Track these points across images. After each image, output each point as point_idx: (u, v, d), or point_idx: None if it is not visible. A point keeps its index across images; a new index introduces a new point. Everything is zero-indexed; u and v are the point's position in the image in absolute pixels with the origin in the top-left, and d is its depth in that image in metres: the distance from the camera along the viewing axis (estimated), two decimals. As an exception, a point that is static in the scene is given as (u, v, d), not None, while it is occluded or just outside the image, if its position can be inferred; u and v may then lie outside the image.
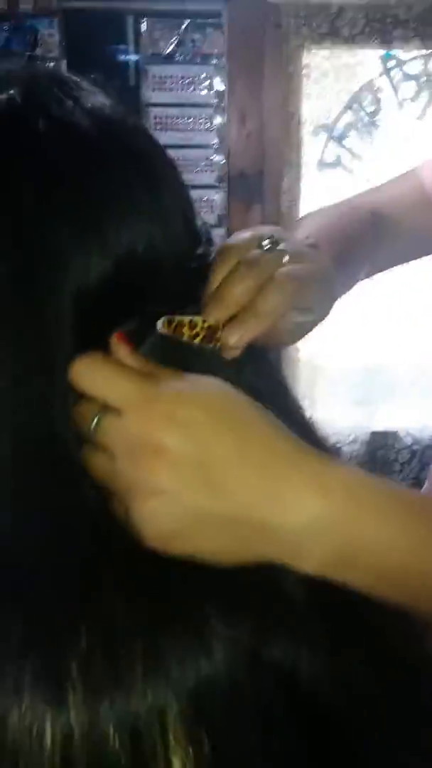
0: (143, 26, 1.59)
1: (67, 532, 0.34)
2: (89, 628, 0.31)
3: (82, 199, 0.35)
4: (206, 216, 1.65)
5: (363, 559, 0.35)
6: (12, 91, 0.36)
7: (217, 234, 1.68)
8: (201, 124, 1.62)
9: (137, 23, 1.59)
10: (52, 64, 1.61)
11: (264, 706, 0.34)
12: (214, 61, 1.60)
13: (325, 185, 1.67)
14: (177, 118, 1.62)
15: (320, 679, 0.35)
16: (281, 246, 0.41)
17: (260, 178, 1.64)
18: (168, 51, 1.59)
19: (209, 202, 1.65)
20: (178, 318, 0.36)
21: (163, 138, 1.62)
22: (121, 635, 0.32)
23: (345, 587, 0.36)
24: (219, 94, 1.62)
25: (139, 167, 0.37)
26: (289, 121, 1.60)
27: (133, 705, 0.31)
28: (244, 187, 1.65)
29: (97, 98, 0.38)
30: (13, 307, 0.34)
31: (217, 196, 1.65)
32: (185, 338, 0.36)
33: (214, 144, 1.63)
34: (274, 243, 0.41)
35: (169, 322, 0.36)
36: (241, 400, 0.35)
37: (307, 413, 0.44)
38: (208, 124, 1.62)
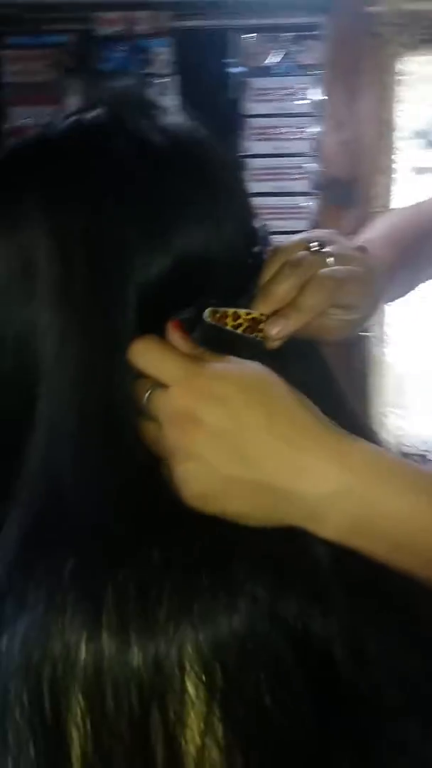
0: (246, 41, 1.67)
1: (119, 489, 0.38)
2: (127, 567, 0.36)
3: (148, 204, 0.40)
4: (299, 222, 1.70)
5: (379, 529, 0.38)
6: (99, 110, 0.42)
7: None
8: (297, 132, 1.68)
9: (240, 39, 1.67)
10: (163, 80, 1.74)
11: (275, 657, 0.36)
12: (313, 72, 1.64)
13: (419, 191, 1.66)
14: (275, 127, 1.68)
15: (332, 640, 0.38)
16: (328, 249, 0.46)
17: (354, 184, 1.67)
18: (268, 64, 1.66)
19: (303, 209, 1.70)
20: (222, 309, 0.40)
21: (262, 147, 1.69)
22: (153, 577, 0.36)
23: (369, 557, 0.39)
24: (316, 104, 1.66)
25: (201, 178, 0.42)
26: (385, 127, 1.61)
27: (157, 638, 0.35)
28: (338, 193, 1.68)
29: (170, 116, 0.44)
30: (84, 294, 0.39)
31: (311, 203, 1.70)
32: (229, 327, 0.40)
33: (309, 152, 1.68)
34: (321, 246, 0.46)
35: (214, 313, 0.39)
36: (274, 381, 0.39)
37: (386, 419, 0.50)
38: (305, 133, 1.67)
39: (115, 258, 0.39)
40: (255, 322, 0.40)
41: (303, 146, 1.67)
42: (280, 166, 1.69)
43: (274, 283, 0.43)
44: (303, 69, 1.64)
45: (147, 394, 0.39)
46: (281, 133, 1.68)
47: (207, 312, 0.39)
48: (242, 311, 0.40)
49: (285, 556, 0.39)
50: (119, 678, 0.34)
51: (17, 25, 1.81)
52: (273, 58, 1.65)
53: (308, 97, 1.65)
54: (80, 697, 0.34)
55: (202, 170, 0.42)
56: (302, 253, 0.45)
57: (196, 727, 0.35)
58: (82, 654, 0.34)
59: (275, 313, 0.42)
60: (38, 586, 0.36)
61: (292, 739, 0.37)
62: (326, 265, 0.45)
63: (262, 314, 0.41)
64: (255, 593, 0.36)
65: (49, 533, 0.38)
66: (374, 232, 0.64)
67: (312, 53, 1.63)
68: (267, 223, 0.48)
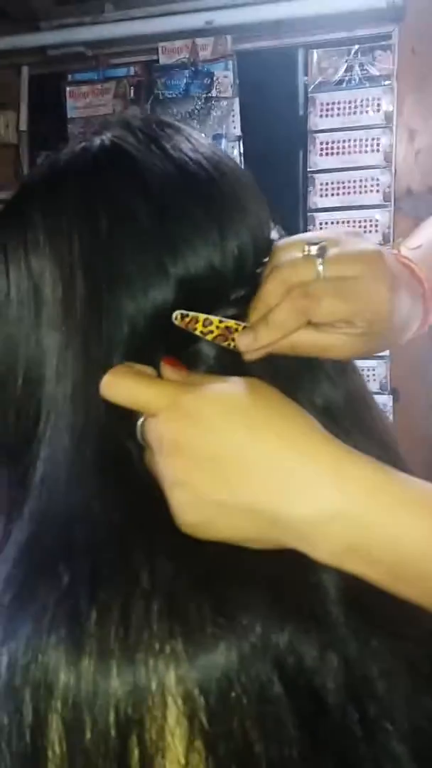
0: (313, 57, 1.64)
1: (110, 510, 0.37)
2: (113, 590, 0.34)
3: (149, 232, 0.39)
4: (372, 235, 1.62)
5: (376, 554, 0.34)
6: (105, 137, 0.42)
7: (382, 252, 1.64)
8: (368, 145, 1.61)
9: (307, 55, 1.65)
10: (225, 102, 1.72)
11: (263, 691, 0.34)
12: (384, 83, 1.59)
13: None
14: (343, 141, 1.63)
15: (325, 674, 0.35)
16: (328, 252, 0.40)
17: (429, 195, 1.59)
18: (336, 78, 1.62)
19: (374, 222, 1.62)
20: (192, 314, 0.38)
21: (330, 162, 1.64)
22: (139, 601, 0.34)
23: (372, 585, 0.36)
24: (387, 115, 1.60)
25: (205, 204, 0.40)
26: (462, 135, 1.53)
27: (138, 666, 0.33)
28: (411, 204, 1.60)
29: (181, 140, 0.42)
30: (83, 317, 0.39)
31: (383, 216, 1.62)
32: (197, 332, 0.38)
33: (381, 164, 1.61)
34: (321, 249, 0.40)
35: (182, 316, 0.38)
36: (259, 397, 0.37)
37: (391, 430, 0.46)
38: (376, 145, 1.61)
39: (115, 283, 0.39)
40: (228, 331, 0.39)
41: (375, 158, 1.61)
42: (350, 179, 1.63)
43: (260, 289, 0.41)
44: (373, 80, 1.59)
45: (139, 423, 0.38)
46: (353, 146, 1.62)
47: (176, 314, 0.38)
48: (215, 318, 0.39)
49: (282, 583, 0.36)
50: (97, 706, 0.33)
51: (82, 62, 1.85)
52: (342, 72, 1.61)
53: (380, 108, 1.59)
54: (59, 722, 0.33)
55: (206, 195, 0.41)
56: (292, 258, 0.41)
57: (176, 761, 0.32)
58: (62, 678, 0.33)
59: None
60: (26, 606, 0.35)
61: None
62: (315, 272, 0.40)
63: (237, 323, 0.39)
64: (245, 623, 0.34)
65: (40, 552, 0.37)
66: (419, 238, 0.55)
67: (382, 64, 1.58)
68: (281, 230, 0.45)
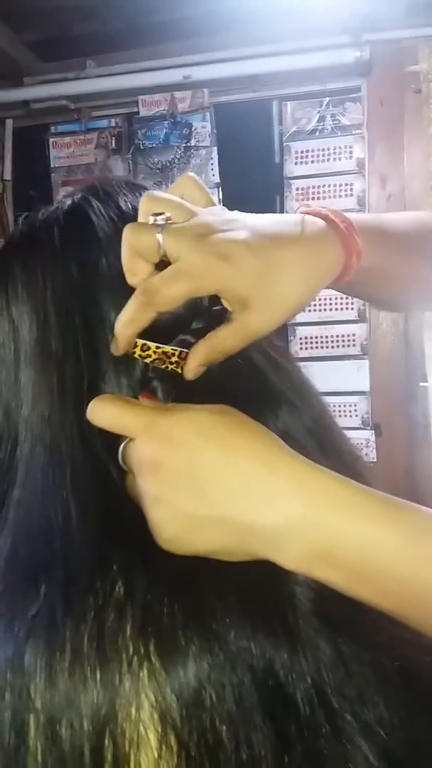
0: (286, 109, 1.72)
1: (84, 524, 0.40)
2: (88, 602, 0.36)
3: (111, 281, 0.43)
4: (348, 276, 1.67)
5: (338, 558, 0.37)
6: (73, 199, 0.48)
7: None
8: (342, 190, 1.68)
9: (281, 106, 1.72)
10: (203, 151, 1.79)
11: (238, 697, 0.36)
12: (355, 132, 1.67)
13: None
14: (318, 187, 1.70)
15: (296, 680, 0.37)
16: (173, 227, 0.41)
17: (402, 236, 1.65)
18: (309, 128, 1.70)
19: (351, 263, 1.68)
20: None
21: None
22: (114, 612, 0.36)
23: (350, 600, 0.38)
24: (359, 162, 1.67)
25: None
26: (431, 180, 1.60)
27: (112, 675, 0.35)
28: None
29: (137, 202, 0.46)
30: (56, 354, 0.43)
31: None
32: (136, 356, 0.42)
33: (355, 208, 1.67)
34: (164, 220, 0.42)
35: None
36: (231, 421, 0.40)
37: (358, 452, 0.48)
38: (349, 190, 1.68)
39: (84, 324, 0.43)
40: (166, 355, 0.42)
41: (349, 202, 1.67)
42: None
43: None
44: (345, 129, 1.67)
45: (121, 448, 0.41)
46: (327, 192, 1.69)
47: (113, 342, 0.42)
48: (152, 344, 0.42)
49: (254, 593, 0.39)
50: (73, 710, 0.34)
51: (65, 115, 1.92)
52: (315, 122, 1.69)
53: (352, 155, 1.66)
54: (36, 730, 0.34)
55: None
56: (137, 225, 0.43)
57: (150, 759, 0.34)
58: (39, 684, 0.35)
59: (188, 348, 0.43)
60: (4, 616, 0.37)
61: None
62: (155, 242, 0.41)
63: (173, 349, 0.42)
64: (218, 630, 0.36)
65: (19, 565, 0.40)
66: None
67: (353, 114, 1.66)
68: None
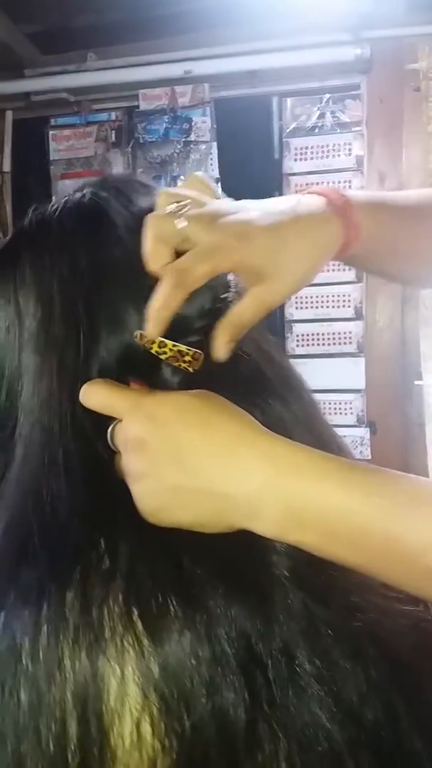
0: (286, 105, 1.72)
1: (73, 501, 0.42)
2: (73, 577, 0.38)
3: (117, 273, 0.45)
4: (345, 273, 1.68)
5: (308, 519, 0.39)
6: (83, 194, 0.49)
7: (357, 287, 1.69)
8: (340, 187, 1.68)
9: (281, 102, 1.73)
10: (203, 146, 1.79)
11: (217, 663, 0.38)
12: (354, 129, 1.67)
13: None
14: (317, 183, 1.69)
15: (268, 645, 0.39)
16: (192, 211, 0.44)
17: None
18: (309, 124, 1.70)
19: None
20: (148, 336, 0.44)
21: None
22: (98, 587, 0.38)
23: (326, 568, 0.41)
24: (358, 159, 1.67)
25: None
26: (429, 178, 1.60)
27: (97, 644, 0.36)
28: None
29: (147, 197, 0.49)
30: (58, 339, 0.45)
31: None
32: (153, 351, 0.44)
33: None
34: (181, 206, 0.45)
35: (141, 336, 0.44)
36: (211, 403, 0.43)
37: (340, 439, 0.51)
38: (348, 187, 1.68)
39: (91, 309, 0.45)
40: (180, 354, 0.44)
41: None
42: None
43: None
44: (344, 127, 1.67)
45: (110, 430, 0.43)
46: (324, 190, 1.69)
47: (136, 333, 0.44)
48: (169, 342, 0.44)
49: (233, 564, 0.41)
50: (55, 682, 0.36)
51: (65, 108, 1.91)
52: (315, 118, 1.69)
53: (351, 152, 1.67)
54: (22, 696, 0.36)
55: None
56: (159, 214, 0.46)
57: (131, 723, 0.36)
58: (25, 654, 0.37)
59: (200, 349, 0.45)
60: None
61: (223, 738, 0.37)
62: (177, 226, 0.44)
63: (188, 349, 0.44)
64: (201, 602, 0.39)
65: (11, 537, 0.42)
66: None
67: (352, 111, 1.66)
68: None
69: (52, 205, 0.50)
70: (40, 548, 0.40)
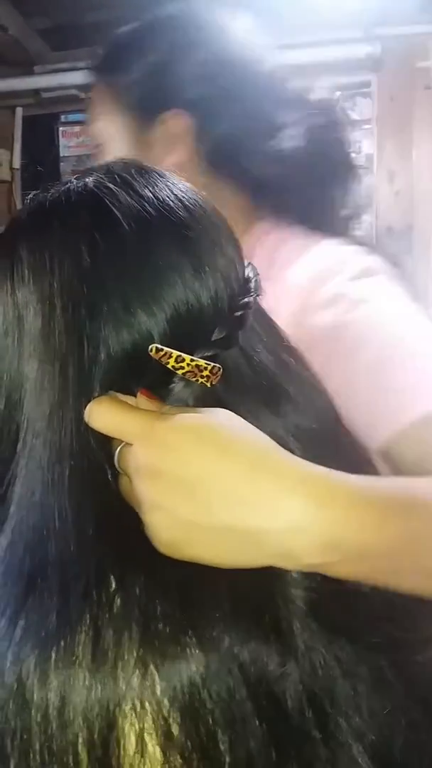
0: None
1: (82, 525, 0.39)
2: (83, 604, 0.37)
3: (124, 272, 0.42)
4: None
5: (345, 548, 0.38)
6: (86, 181, 0.45)
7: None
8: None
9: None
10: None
11: (230, 699, 0.36)
12: (364, 127, 1.66)
13: None
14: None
15: (286, 682, 0.38)
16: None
17: (409, 233, 1.65)
18: (319, 122, 1.69)
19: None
20: (167, 349, 0.41)
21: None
22: (110, 616, 0.36)
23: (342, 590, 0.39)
24: (368, 157, 1.67)
25: (180, 246, 0.43)
26: (439, 176, 1.60)
27: (106, 678, 0.35)
28: (392, 242, 1.66)
29: (156, 184, 0.45)
30: (60, 346, 0.42)
31: (366, 253, 1.68)
32: (170, 366, 0.41)
33: (362, 204, 1.67)
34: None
35: (158, 350, 0.41)
36: (228, 426, 0.40)
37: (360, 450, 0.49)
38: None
39: (94, 314, 0.41)
40: (198, 369, 0.42)
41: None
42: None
43: None
44: (354, 124, 1.67)
45: (117, 452, 0.40)
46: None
47: (151, 347, 0.41)
48: (187, 357, 0.41)
49: (249, 598, 0.39)
50: (66, 716, 0.35)
51: (75, 104, 1.92)
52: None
53: (361, 150, 1.66)
54: (34, 733, 0.35)
55: (179, 234, 0.44)
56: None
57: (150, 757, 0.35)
58: (34, 690, 0.35)
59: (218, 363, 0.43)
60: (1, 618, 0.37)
61: None
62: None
63: (207, 363, 0.42)
64: (214, 636, 0.37)
65: (15, 566, 0.39)
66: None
67: (363, 109, 1.66)
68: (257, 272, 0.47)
69: (51, 194, 0.45)
70: (46, 583, 0.38)
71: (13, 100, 1.93)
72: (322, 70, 1.67)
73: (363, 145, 1.67)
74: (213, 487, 0.38)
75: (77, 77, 1.85)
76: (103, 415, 0.40)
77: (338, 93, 1.67)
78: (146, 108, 0.73)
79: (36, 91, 1.90)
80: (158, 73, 0.74)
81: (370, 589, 0.40)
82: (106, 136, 0.75)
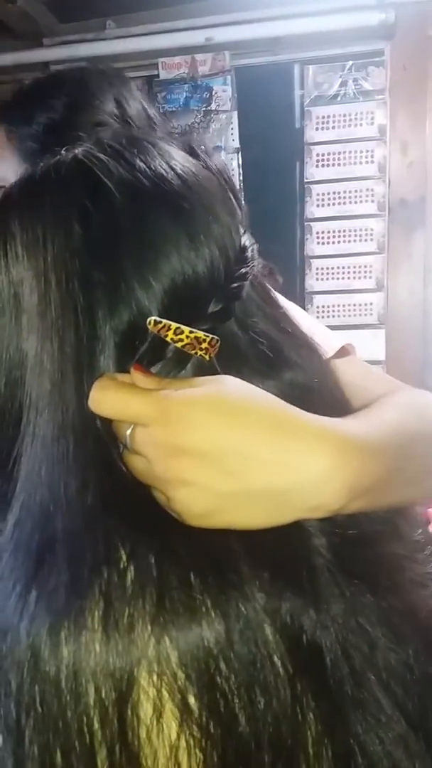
0: (308, 73, 1.69)
1: (92, 496, 0.40)
2: (105, 577, 0.37)
3: (118, 244, 0.42)
4: (367, 243, 1.67)
5: (364, 489, 0.40)
6: (75, 153, 0.44)
7: (378, 258, 1.68)
8: (362, 156, 1.67)
9: (303, 70, 1.70)
10: (223, 116, 1.78)
11: (265, 654, 0.37)
12: (377, 97, 1.64)
13: None
14: (339, 153, 1.68)
15: (323, 632, 0.39)
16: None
17: (422, 204, 1.64)
18: (331, 92, 1.68)
19: (369, 231, 1.67)
20: (165, 321, 0.41)
21: (326, 173, 1.69)
22: (130, 591, 0.36)
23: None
24: (381, 128, 1.65)
25: (174, 213, 0.43)
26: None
27: (122, 642, 0.35)
28: (405, 213, 1.65)
29: (148, 154, 0.44)
30: (57, 321, 0.42)
31: (378, 224, 1.67)
32: (168, 339, 0.41)
33: (375, 175, 1.66)
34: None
35: (156, 322, 0.41)
36: (242, 393, 0.40)
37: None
38: (370, 157, 1.66)
39: (88, 288, 0.41)
40: (197, 341, 0.42)
41: (370, 169, 1.66)
42: (345, 190, 1.68)
43: None
44: (367, 95, 1.65)
45: (128, 433, 0.40)
46: (348, 158, 1.68)
47: (149, 320, 0.41)
48: (186, 329, 0.41)
49: (279, 554, 0.40)
50: (78, 683, 0.35)
51: (83, 77, 1.90)
52: (337, 87, 1.67)
53: (373, 121, 1.65)
54: (41, 698, 0.35)
55: (173, 203, 0.43)
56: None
57: (167, 730, 0.35)
58: (46, 659, 0.35)
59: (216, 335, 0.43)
60: (9, 591, 0.38)
61: (268, 730, 0.36)
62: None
63: (205, 335, 0.42)
64: (248, 593, 0.37)
65: (23, 540, 0.40)
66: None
67: (375, 79, 1.64)
68: (258, 244, 0.47)
69: (42, 167, 0.45)
70: (54, 557, 0.38)
71: (22, 73, 1.91)
72: (334, 38, 1.65)
73: (376, 116, 1.65)
74: (240, 455, 0.38)
75: (86, 49, 1.83)
76: (111, 402, 0.40)
77: (350, 63, 1.65)
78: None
79: (44, 64, 1.88)
80: (56, 130, 0.79)
81: (380, 526, 0.44)
82: (5, 178, 0.79)
